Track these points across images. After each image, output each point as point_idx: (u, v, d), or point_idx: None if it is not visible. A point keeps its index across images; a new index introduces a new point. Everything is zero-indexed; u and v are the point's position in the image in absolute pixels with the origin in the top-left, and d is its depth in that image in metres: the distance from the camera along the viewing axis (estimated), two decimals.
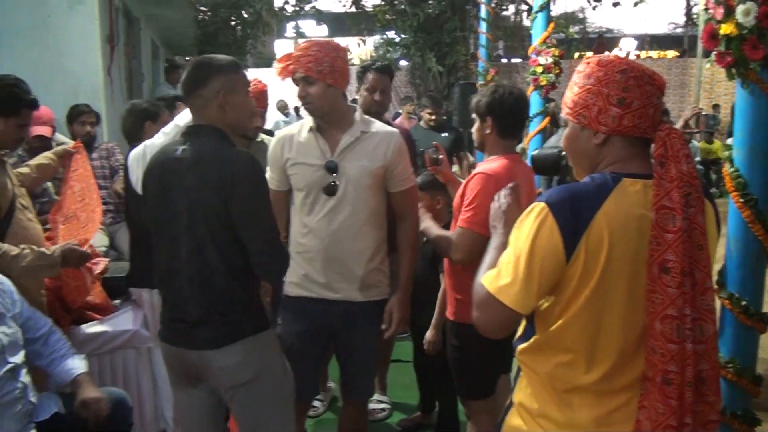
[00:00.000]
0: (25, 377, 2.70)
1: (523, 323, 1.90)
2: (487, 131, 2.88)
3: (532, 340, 1.83)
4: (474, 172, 2.85)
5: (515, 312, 1.72)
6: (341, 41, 3.16)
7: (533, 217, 1.69)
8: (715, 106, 17.36)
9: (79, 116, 5.05)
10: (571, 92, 1.79)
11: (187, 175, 2.36)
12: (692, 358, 1.59)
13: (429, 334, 3.53)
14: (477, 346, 2.87)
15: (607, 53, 19.37)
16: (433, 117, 6.55)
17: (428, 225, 3.02)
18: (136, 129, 3.62)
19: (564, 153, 2.13)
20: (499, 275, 1.74)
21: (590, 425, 1.74)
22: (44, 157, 3.71)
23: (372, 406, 4.27)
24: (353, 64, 22.36)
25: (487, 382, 3.01)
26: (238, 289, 2.42)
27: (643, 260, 1.64)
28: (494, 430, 2.04)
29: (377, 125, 2.99)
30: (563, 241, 1.65)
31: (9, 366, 2.61)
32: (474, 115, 2.94)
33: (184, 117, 3.16)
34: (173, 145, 2.47)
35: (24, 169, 3.59)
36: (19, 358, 2.68)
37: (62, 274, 3.22)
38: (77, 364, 2.84)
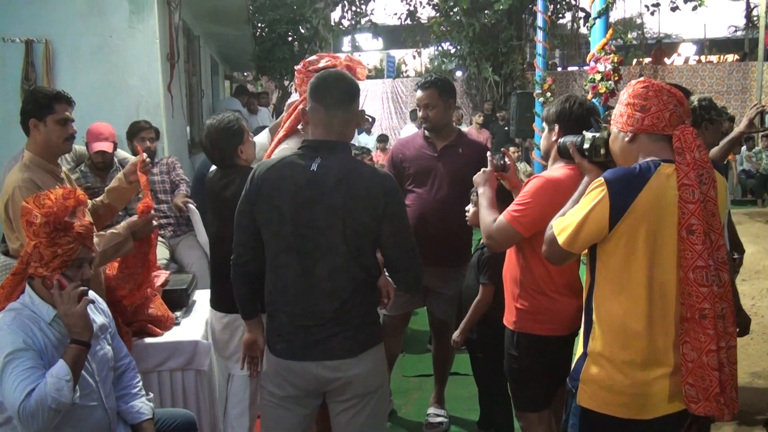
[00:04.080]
0: (114, 408, 2.76)
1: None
2: (554, 138, 2.88)
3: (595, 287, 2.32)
4: (537, 174, 2.86)
5: (563, 249, 2.30)
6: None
7: (595, 188, 2.22)
8: None
9: (139, 132, 5.16)
10: (616, 107, 2.35)
11: (334, 192, 2.36)
12: (718, 298, 2.10)
13: (456, 335, 3.65)
14: (537, 356, 2.89)
15: (666, 59, 19.06)
16: None
17: (487, 196, 2.96)
18: (228, 155, 3.30)
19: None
20: (564, 221, 2.31)
21: (646, 358, 2.20)
22: (115, 180, 3.62)
23: (429, 419, 4.25)
24: (408, 76, 22.41)
25: (545, 394, 2.99)
26: (373, 300, 2.56)
27: (669, 230, 2.14)
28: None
29: None
30: (610, 211, 2.16)
31: (107, 391, 2.68)
32: (543, 124, 2.98)
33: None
34: (298, 159, 2.44)
35: (97, 200, 3.54)
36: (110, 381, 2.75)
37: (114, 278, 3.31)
38: (146, 409, 2.85)
